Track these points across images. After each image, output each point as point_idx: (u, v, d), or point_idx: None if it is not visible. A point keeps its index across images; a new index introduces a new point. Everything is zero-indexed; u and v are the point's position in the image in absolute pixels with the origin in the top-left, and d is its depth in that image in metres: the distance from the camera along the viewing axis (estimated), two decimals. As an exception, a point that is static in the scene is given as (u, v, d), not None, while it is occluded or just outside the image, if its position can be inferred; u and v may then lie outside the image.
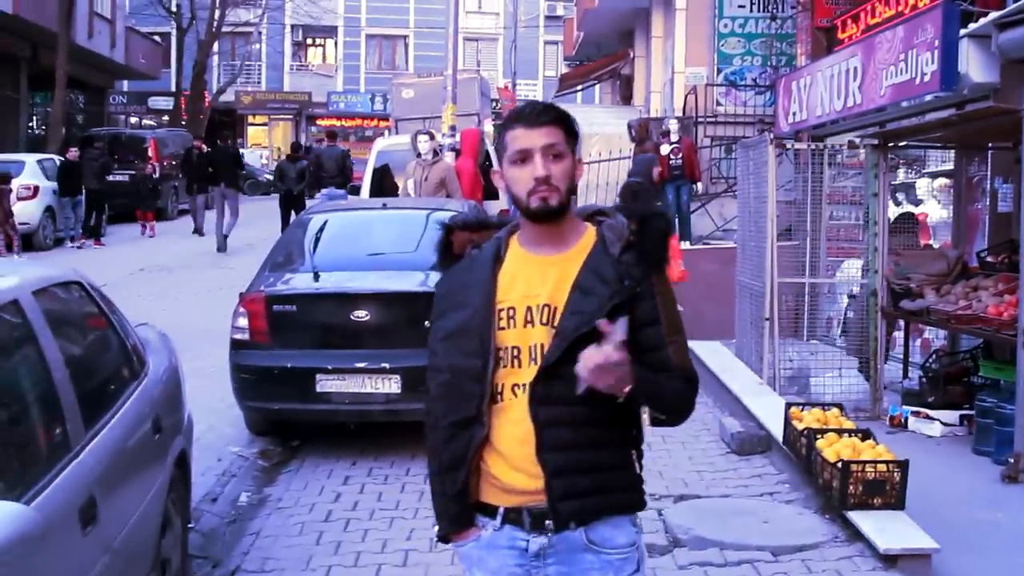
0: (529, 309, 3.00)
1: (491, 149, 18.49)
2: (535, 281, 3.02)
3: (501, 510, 3.04)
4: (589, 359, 2.82)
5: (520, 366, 2.99)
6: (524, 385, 2.97)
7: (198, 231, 24.61)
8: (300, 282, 9.00)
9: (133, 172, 26.80)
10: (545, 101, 2.99)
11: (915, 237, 10.83)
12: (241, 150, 34.36)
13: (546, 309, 2.99)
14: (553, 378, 2.93)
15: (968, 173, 11.06)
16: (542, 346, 2.97)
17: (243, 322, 8.55)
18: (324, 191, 20.91)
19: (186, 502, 6.08)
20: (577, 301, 2.95)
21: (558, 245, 3.05)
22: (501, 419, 3.00)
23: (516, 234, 3.14)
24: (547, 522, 2.99)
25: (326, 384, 8.35)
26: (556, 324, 2.96)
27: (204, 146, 25.18)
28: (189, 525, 6.18)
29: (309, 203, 20.14)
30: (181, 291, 17.13)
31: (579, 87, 39.43)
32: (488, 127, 28.12)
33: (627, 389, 2.89)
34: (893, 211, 12.01)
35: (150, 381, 5.59)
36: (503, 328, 3.01)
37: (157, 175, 28.61)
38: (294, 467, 8.42)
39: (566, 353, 2.90)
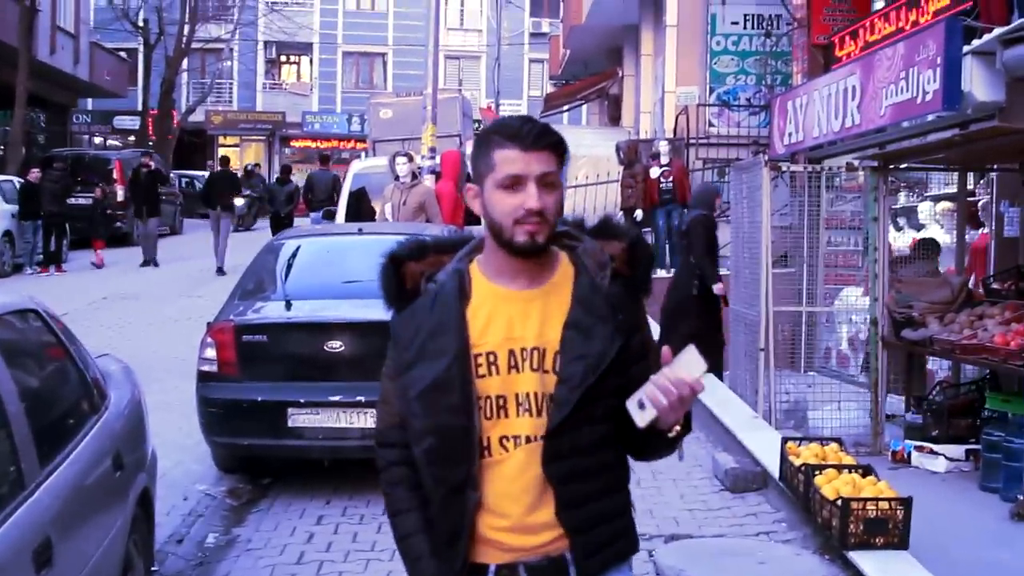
0: (512, 353, 2.84)
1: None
2: (516, 321, 2.85)
3: (492, 568, 2.90)
4: (671, 389, 2.69)
5: (507, 416, 2.84)
6: (516, 438, 2.83)
7: (150, 262, 24.22)
8: (271, 311, 8.97)
9: (95, 196, 26.78)
10: (535, 118, 2.94)
11: (935, 264, 10.71)
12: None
13: (535, 353, 2.83)
14: (560, 432, 2.80)
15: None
16: (536, 395, 2.82)
17: (211, 353, 8.50)
18: (313, 214, 21.45)
19: (149, 543, 6.03)
20: (577, 344, 2.81)
21: (535, 278, 2.88)
22: (491, 475, 2.85)
23: (475, 262, 2.95)
24: None
25: (298, 418, 8.29)
26: (553, 369, 2.82)
27: (152, 163, 25.19)
28: (152, 568, 6.12)
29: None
30: (147, 320, 17.04)
31: (565, 107, 39.51)
32: (470, 149, 28.23)
33: (679, 426, 2.83)
34: (895, 236, 12.03)
35: (111, 415, 5.55)
36: (483, 376, 2.84)
37: (121, 198, 28.50)
38: (264, 506, 8.36)
39: (577, 403, 2.79)
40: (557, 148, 2.83)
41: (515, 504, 2.84)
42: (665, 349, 2.73)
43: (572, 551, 2.86)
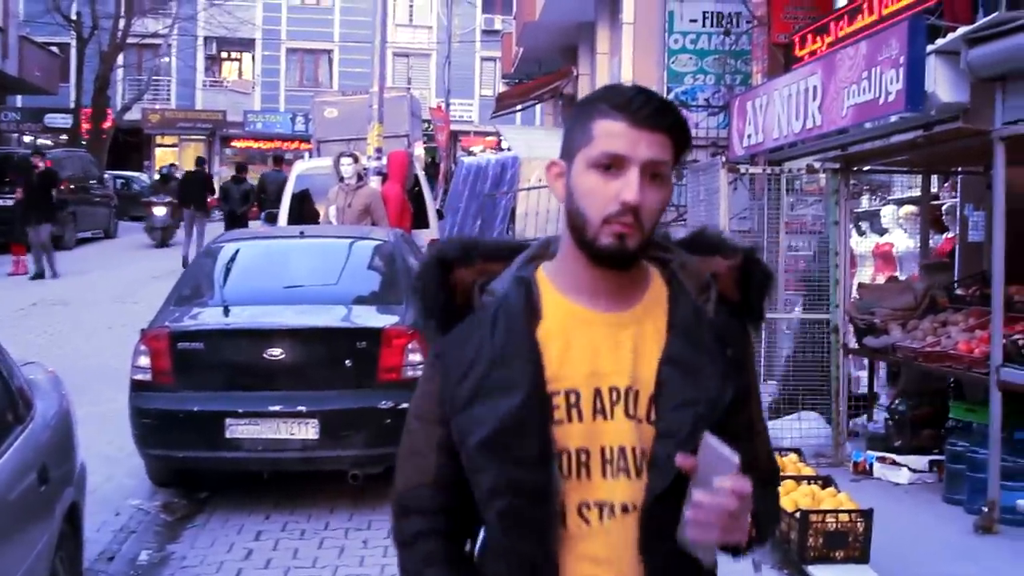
0: (599, 393, 2.24)
1: (420, 173, 18.55)
2: (603, 351, 2.26)
3: None
4: (713, 508, 2.09)
5: (590, 477, 2.23)
6: (602, 506, 2.23)
7: (40, 275, 23.12)
8: (208, 317, 8.93)
9: (16, 197, 26.39)
10: (654, 91, 2.27)
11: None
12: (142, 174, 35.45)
13: (629, 395, 2.24)
14: (664, 502, 2.20)
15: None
16: (634, 451, 2.23)
17: (144, 361, 8.44)
18: (263, 213, 21.72)
19: (77, 561, 5.98)
20: (680, 386, 2.23)
21: (624, 297, 2.29)
22: (566, 554, 2.24)
23: (541, 270, 2.35)
24: None
25: (237, 429, 8.25)
26: (647, 418, 2.24)
27: (40, 164, 24.57)
28: (81, 587, 6.07)
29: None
30: (78, 328, 16.91)
31: (518, 107, 39.57)
32: (419, 150, 28.22)
33: (750, 533, 2.23)
34: (857, 241, 12.10)
35: (37, 426, 5.50)
36: (560, 421, 2.23)
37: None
38: (200, 521, 8.31)
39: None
40: (675, 132, 2.23)
41: None
42: (679, 458, 2.15)
43: None
